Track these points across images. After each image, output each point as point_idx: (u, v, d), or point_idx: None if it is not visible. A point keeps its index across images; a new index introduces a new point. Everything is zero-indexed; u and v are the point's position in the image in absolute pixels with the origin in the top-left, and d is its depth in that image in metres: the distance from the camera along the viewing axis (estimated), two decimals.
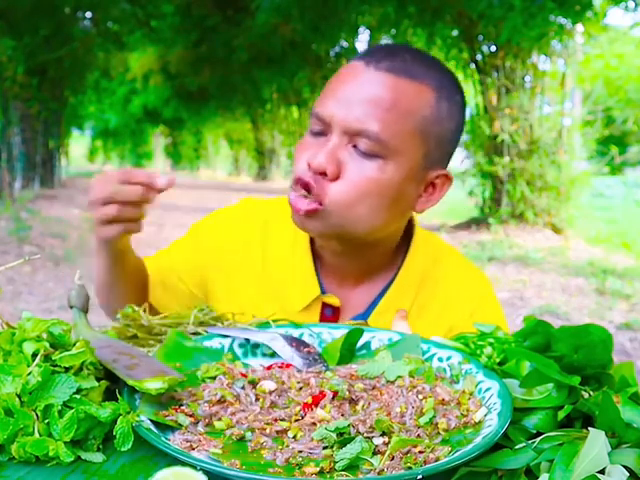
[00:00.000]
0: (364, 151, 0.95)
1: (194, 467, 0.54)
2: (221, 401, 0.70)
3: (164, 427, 0.65)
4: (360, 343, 0.87)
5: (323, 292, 1.09)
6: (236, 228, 1.17)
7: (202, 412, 0.68)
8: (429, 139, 0.97)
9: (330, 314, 1.09)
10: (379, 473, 0.58)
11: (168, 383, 0.66)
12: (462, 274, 1.17)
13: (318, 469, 0.58)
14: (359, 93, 0.94)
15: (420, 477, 0.53)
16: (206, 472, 0.54)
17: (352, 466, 0.59)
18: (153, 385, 0.66)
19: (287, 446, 0.62)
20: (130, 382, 0.67)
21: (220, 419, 0.67)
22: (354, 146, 0.95)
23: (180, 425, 0.65)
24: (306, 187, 0.96)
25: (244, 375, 0.76)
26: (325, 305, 1.09)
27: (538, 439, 0.62)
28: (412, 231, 1.14)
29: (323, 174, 0.95)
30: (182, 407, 0.68)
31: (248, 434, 0.65)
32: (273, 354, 0.85)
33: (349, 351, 0.85)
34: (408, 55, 0.98)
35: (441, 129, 0.98)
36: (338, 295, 1.09)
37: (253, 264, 1.13)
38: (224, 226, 1.19)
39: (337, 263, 1.09)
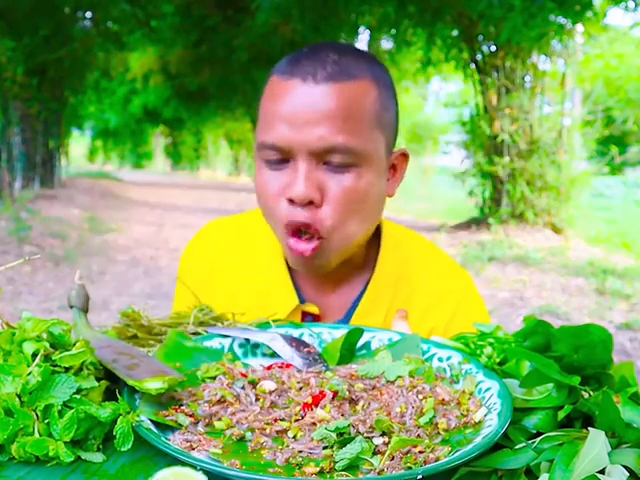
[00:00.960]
0: (337, 165, 0.93)
1: (194, 467, 0.54)
2: (221, 401, 0.70)
3: (164, 427, 0.65)
4: (360, 343, 0.87)
5: (302, 301, 1.08)
6: (205, 256, 1.17)
7: (202, 412, 0.68)
8: (385, 129, 0.98)
9: (311, 322, 1.08)
10: (379, 473, 0.58)
11: (168, 383, 0.66)
12: (439, 272, 1.15)
13: (318, 469, 0.58)
14: (311, 112, 0.91)
15: (420, 477, 0.53)
16: (206, 472, 0.54)
17: (352, 466, 0.59)
18: (153, 385, 0.66)
19: (287, 446, 0.62)
20: (130, 382, 0.67)
21: (220, 419, 0.67)
22: (324, 163, 0.94)
23: (180, 425, 0.65)
24: (302, 227, 0.94)
25: (244, 375, 0.76)
26: (305, 314, 1.09)
27: (538, 439, 0.62)
28: (380, 226, 1.13)
29: (310, 204, 0.93)
30: (182, 407, 0.68)
31: (248, 434, 0.65)
32: (273, 354, 0.85)
33: (349, 351, 0.85)
34: (333, 54, 0.95)
35: (390, 115, 1.00)
36: (317, 302, 1.09)
37: (230, 284, 1.13)
38: (195, 258, 1.19)
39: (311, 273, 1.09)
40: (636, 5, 7.00)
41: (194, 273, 1.17)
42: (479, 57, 8.91)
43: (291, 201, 0.94)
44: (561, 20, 7.61)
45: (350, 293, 1.10)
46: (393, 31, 10.47)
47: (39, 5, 9.88)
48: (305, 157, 0.93)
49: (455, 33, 9.07)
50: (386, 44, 12.37)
